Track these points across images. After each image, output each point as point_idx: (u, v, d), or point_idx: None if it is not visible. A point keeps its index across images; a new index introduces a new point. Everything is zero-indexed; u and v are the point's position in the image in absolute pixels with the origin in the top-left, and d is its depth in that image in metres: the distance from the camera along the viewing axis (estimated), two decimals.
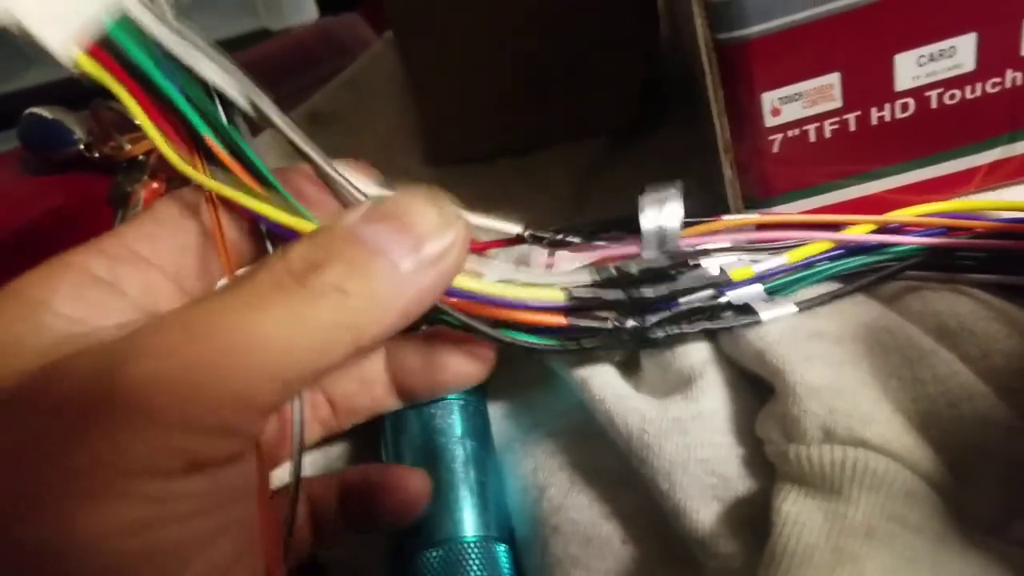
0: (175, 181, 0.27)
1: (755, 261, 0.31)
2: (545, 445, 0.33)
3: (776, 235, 0.32)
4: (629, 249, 0.30)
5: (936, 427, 0.27)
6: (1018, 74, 0.30)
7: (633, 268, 0.29)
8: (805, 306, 0.31)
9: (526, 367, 0.36)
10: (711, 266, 0.31)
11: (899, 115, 0.31)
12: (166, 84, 0.23)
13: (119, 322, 0.22)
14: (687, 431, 0.29)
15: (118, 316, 0.22)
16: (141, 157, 0.46)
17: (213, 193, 0.24)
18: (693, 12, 0.28)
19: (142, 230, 0.24)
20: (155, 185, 0.45)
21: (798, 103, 0.30)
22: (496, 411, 0.35)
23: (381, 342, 0.20)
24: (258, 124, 0.25)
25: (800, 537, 0.25)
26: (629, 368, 0.33)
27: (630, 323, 0.30)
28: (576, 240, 0.31)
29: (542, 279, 0.29)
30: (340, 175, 0.26)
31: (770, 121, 0.30)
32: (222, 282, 0.26)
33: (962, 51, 0.30)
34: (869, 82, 0.30)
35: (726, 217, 0.31)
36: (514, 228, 0.31)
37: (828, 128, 0.31)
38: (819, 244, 0.31)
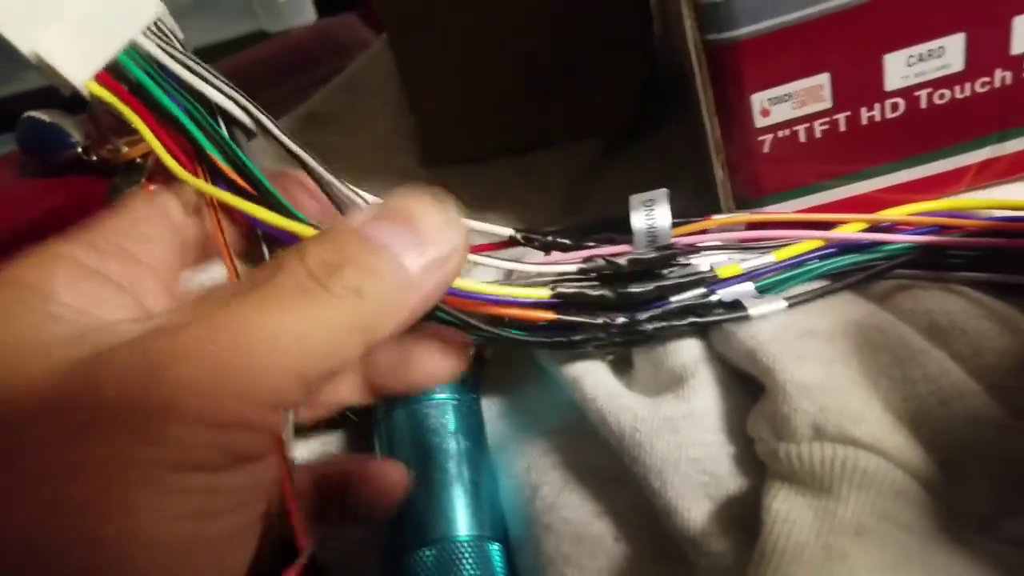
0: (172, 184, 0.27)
1: (745, 260, 0.31)
2: (538, 444, 0.33)
3: (766, 234, 0.32)
4: (621, 249, 0.30)
5: (927, 426, 0.27)
6: (1007, 74, 0.30)
7: (622, 260, 0.29)
8: (794, 302, 0.31)
9: (520, 366, 0.36)
10: (701, 265, 0.31)
11: (889, 115, 0.31)
12: (172, 106, 0.24)
13: (120, 316, 0.22)
14: (678, 430, 0.29)
15: (115, 309, 0.22)
16: (138, 160, 0.46)
17: (215, 200, 0.25)
18: (683, 13, 0.29)
19: (125, 225, 0.25)
20: (152, 188, 0.45)
21: (788, 104, 0.30)
22: (490, 410, 0.35)
23: (390, 339, 0.21)
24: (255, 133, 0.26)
25: (790, 535, 0.25)
26: (621, 367, 0.33)
27: (619, 319, 0.30)
28: (568, 242, 0.31)
29: (529, 272, 0.29)
30: (336, 180, 0.27)
31: (760, 122, 0.31)
32: (203, 272, 0.27)
33: (951, 51, 0.30)
34: (859, 82, 0.30)
35: (716, 216, 0.31)
36: (506, 230, 0.31)
37: (818, 128, 0.31)
38: (809, 243, 0.31)
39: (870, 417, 0.27)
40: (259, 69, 0.74)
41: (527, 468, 0.32)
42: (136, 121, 0.24)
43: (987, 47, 0.30)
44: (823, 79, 0.30)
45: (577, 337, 0.30)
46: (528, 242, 0.31)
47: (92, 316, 0.22)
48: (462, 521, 0.30)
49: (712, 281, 0.30)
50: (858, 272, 0.31)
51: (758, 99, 0.30)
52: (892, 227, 0.32)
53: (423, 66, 0.47)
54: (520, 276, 0.31)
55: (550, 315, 0.29)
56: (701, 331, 0.31)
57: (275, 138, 0.26)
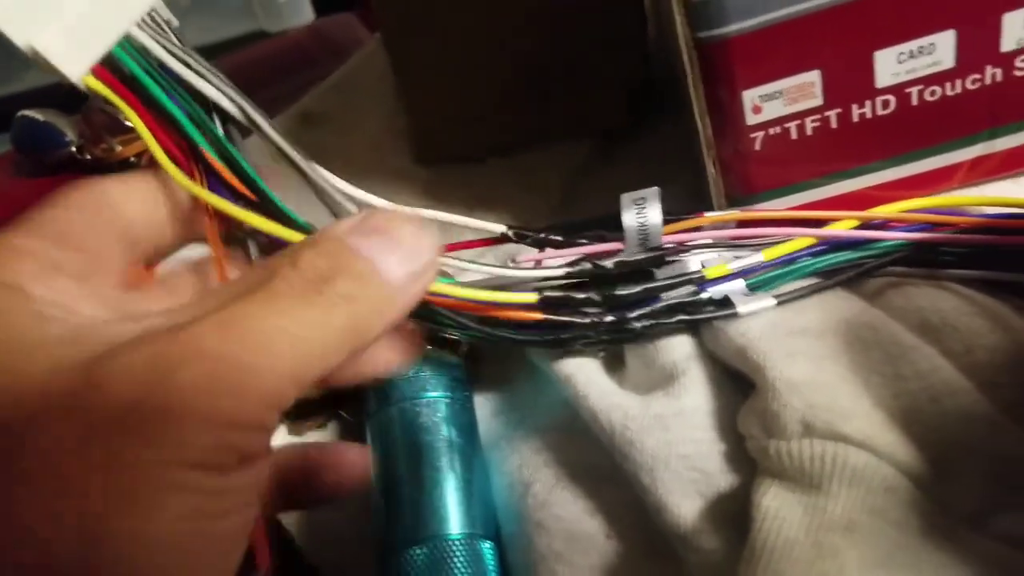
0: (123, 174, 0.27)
1: (738, 257, 0.31)
2: (530, 441, 0.33)
3: (758, 231, 0.32)
4: (612, 247, 0.30)
5: (918, 423, 0.27)
6: (997, 70, 0.31)
7: (609, 263, 0.29)
8: (784, 299, 0.31)
9: (512, 364, 0.36)
10: (691, 263, 0.31)
11: (880, 112, 0.31)
12: (167, 100, 0.25)
13: (89, 311, 0.22)
14: (669, 427, 0.29)
15: (83, 304, 0.22)
16: (132, 159, 0.46)
17: (210, 206, 0.26)
18: (673, 11, 0.29)
19: (70, 216, 0.24)
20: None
21: (779, 101, 0.30)
22: (482, 408, 0.35)
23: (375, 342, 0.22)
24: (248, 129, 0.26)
25: (780, 531, 0.25)
26: (614, 365, 0.33)
27: (608, 317, 0.30)
28: (559, 239, 0.31)
29: (516, 276, 0.29)
30: (326, 177, 0.27)
31: (751, 119, 0.31)
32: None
33: (941, 48, 0.30)
34: (849, 79, 0.30)
35: (708, 214, 0.31)
36: (499, 227, 0.31)
37: (809, 125, 0.31)
38: (799, 240, 0.31)
39: (859, 414, 0.27)
40: (256, 68, 0.74)
41: (519, 466, 0.32)
42: (132, 116, 0.24)
43: (978, 44, 0.30)
44: (814, 76, 0.30)
45: (566, 335, 0.30)
46: (520, 239, 0.31)
47: (78, 314, 0.22)
48: (454, 519, 0.30)
49: (700, 281, 0.30)
50: (849, 269, 0.31)
51: (749, 96, 0.30)
52: (884, 224, 0.32)
53: (418, 65, 0.47)
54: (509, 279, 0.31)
55: (539, 315, 0.29)
56: (692, 329, 0.31)
57: (267, 136, 0.26)
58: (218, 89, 0.25)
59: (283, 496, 0.29)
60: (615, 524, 0.30)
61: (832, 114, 0.31)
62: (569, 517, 0.30)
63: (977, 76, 0.31)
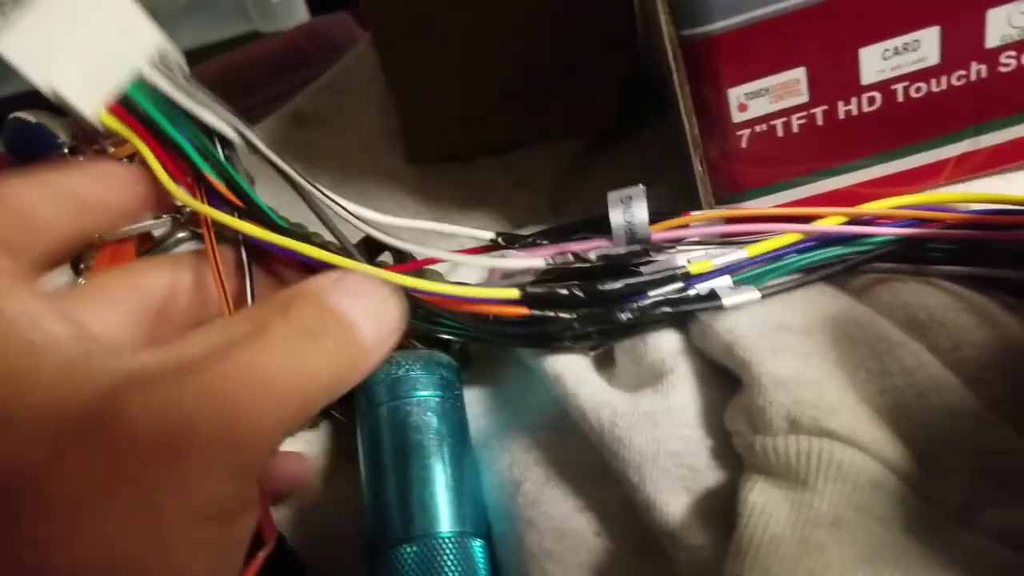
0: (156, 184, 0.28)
1: (720, 255, 0.31)
2: (521, 440, 0.33)
3: (746, 228, 0.32)
4: (598, 243, 0.30)
5: (905, 419, 0.27)
6: (982, 67, 0.31)
7: (592, 256, 0.29)
8: (768, 292, 0.31)
9: (503, 363, 0.36)
10: (677, 260, 0.31)
11: (866, 109, 0.31)
12: (174, 132, 0.27)
13: (58, 329, 0.21)
14: (657, 424, 0.29)
15: (46, 319, 0.21)
16: (124, 160, 0.46)
17: (211, 229, 0.28)
18: (658, 9, 0.29)
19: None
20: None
21: (765, 98, 0.30)
22: (473, 407, 0.35)
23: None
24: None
25: (766, 527, 0.25)
26: (603, 363, 0.33)
27: (594, 310, 0.30)
28: (547, 243, 0.31)
29: (505, 269, 0.30)
30: (323, 194, 0.29)
31: (737, 117, 0.31)
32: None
33: (926, 44, 0.30)
34: (835, 76, 0.30)
35: (695, 213, 0.31)
36: (488, 234, 0.32)
37: (795, 123, 0.31)
38: (784, 237, 0.31)
39: (844, 409, 0.27)
40: (251, 68, 0.74)
41: (509, 464, 0.32)
42: (142, 148, 0.27)
43: (962, 40, 0.30)
44: (799, 73, 0.30)
45: (551, 328, 0.30)
46: (509, 244, 0.31)
47: (47, 331, 0.21)
48: (444, 517, 0.30)
49: (685, 277, 0.30)
50: (835, 264, 0.32)
51: (735, 94, 0.30)
52: (871, 221, 0.32)
53: (408, 65, 0.48)
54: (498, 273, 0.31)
55: (523, 310, 0.29)
56: (678, 323, 0.31)
57: (267, 159, 0.28)
58: (220, 118, 0.28)
59: None
60: (605, 522, 0.30)
61: (818, 111, 0.31)
62: (559, 515, 0.30)
63: (962, 72, 0.31)
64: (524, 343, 0.32)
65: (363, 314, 0.23)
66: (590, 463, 0.31)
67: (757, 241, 0.32)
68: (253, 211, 0.28)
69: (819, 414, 0.26)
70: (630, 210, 0.30)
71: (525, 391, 0.34)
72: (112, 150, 0.46)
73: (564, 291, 0.30)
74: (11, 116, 0.50)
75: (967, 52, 0.30)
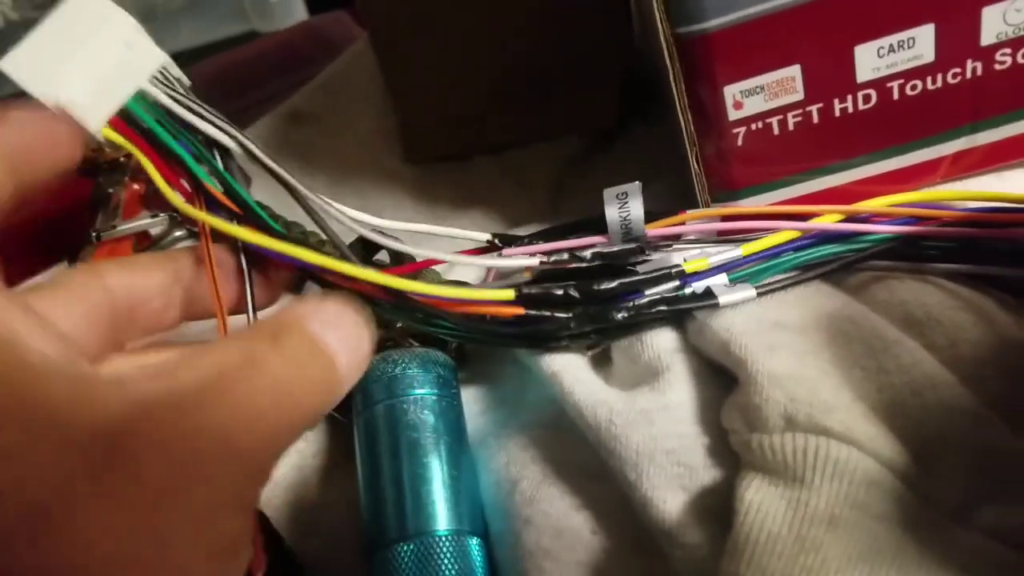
0: (153, 184, 0.28)
1: (716, 253, 0.31)
2: (518, 439, 0.33)
3: (743, 225, 0.32)
4: (594, 240, 0.30)
5: (901, 416, 0.27)
6: (978, 64, 0.31)
7: (587, 254, 0.29)
8: (764, 290, 0.31)
9: (500, 362, 0.36)
10: (673, 259, 0.31)
11: (861, 106, 0.31)
12: (174, 144, 0.28)
13: (43, 347, 0.21)
14: (654, 422, 0.29)
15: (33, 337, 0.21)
16: (122, 159, 0.46)
17: (209, 234, 0.28)
18: (653, 7, 0.29)
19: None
20: (136, 187, 0.45)
21: (760, 96, 0.30)
22: (470, 406, 0.35)
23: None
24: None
25: (763, 525, 0.25)
26: (600, 362, 0.33)
27: (590, 309, 0.30)
28: (543, 243, 0.31)
29: (496, 264, 0.30)
30: (322, 201, 0.29)
31: (733, 115, 0.31)
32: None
33: (921, 42, 0.30)
34: (830, 74, 0.30)
35: (691, 211, 0.31)
36: (484, 235, 0.32)
37: (791, 121, 0.31)
38: (780, 235, 0.31)
39: (841, 407, 0.27)
40: (249, 67, 0.74)
41: (506, 463, 0.32)
42: (144, 160, 0.27)
43: (957, 38, 0.30)
44: (794, 71, 0.30)
45: (547, 327, 0.30)
46: (506, 245, 0.31)
47: (61, 359, 0.20)
48: (441, 516, 0.31)
49: (681, 275, 0.30)
50: (832, 262, 0.31)
51: (730, 92, 0.30)
52: (867, 219, 0.32)
53: (406, 65, 0.48)
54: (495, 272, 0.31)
55: (518, 309, 0.29)
56: (675, 322, 0.31)
57: (266, 167, 0.29)
58: (219, 129, 0.28)
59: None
60: (601, 520, 0.30)
61: (813, 109, 0.31)
62: (556, 513, 0.30)
63: (957, 70, 0.31)
64: (520, 343, 0.32)
65: (341, 344, 0.24)
66: (587, 461, 0.31)
67: (753, 239, 0.32)
68: (250, 217, 0.29)
69: (815, 412, 0.26)
70: (626, 207, 0.30)
71: (522, 390, 0.35)
72: (109, 149, 0.47)
73: (559, 291, 0.30)
74: None
75: (962, 49, 0.30)
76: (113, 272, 0.27)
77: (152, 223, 0.43)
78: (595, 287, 0.30)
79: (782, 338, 0.29)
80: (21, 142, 0.25)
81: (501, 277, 0.32)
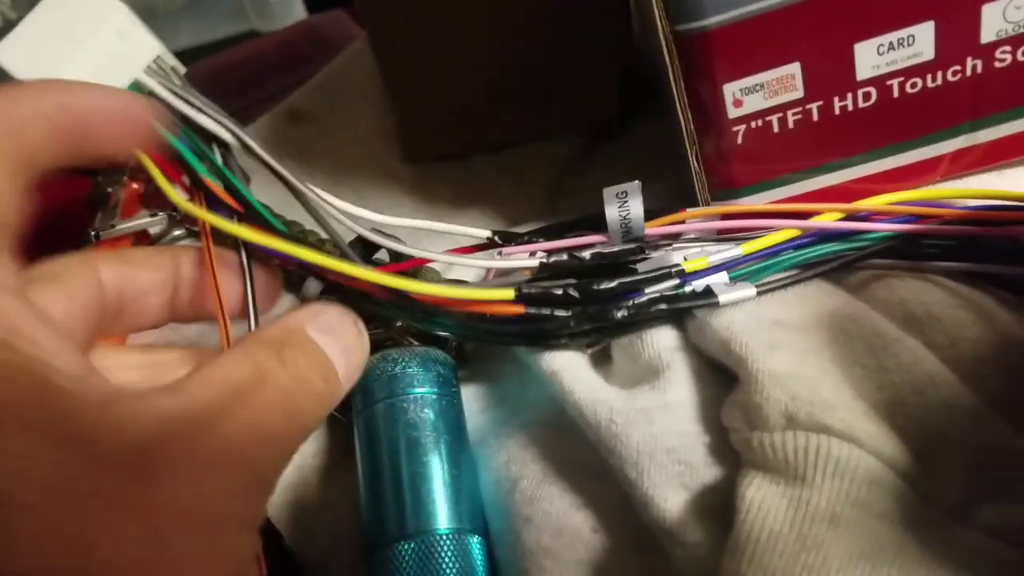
0: (152, 183, 0.28)
1: (716, 252, 0.31)
2: (518, 438, 0.33)
3: (744, 223, 0.32)
4: (589, 240, 0.30)
5: (901, 415, 0.27)
6: (978, 62, 0.31)
7: (586, 254, 0.29)
8: (764, 289, 0.31)
9: (500, 361, 0.36)
10: (673, 258, 0.31)
11: (861, 104, 0.31)
12: (172, 138, 0.27)
13: (83, 365, 0.21)
14: (654, 421, 0.29)
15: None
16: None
17: (210, 233, 0.28)
18: (652, 4, 0.29)
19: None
20: (135, 186, 0.45)
21: (760, 94, 0.30)
22: (470, 405, 0.35)
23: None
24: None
25: (764, 524, 0.25)
26: (600, 361, 0.33)
27: (590, 308, 0.30)
28: (544, 240, 0.31)
29: (496, 265, 0.30)
30: (316, 194, 0.29)
31: (732, 113, 0.31)
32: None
33: (921, 39, 0.30)
34: (830, 72, 0.30)
35: (690, 209, 0.31)
36: (484, 232, 0.32)
37: (791, 118, 0.31)
38: (780, 234, 0.31)
39: (842, 405, 0.27)
40: (248, 66, 0.74)
41: (507, 461, 0.32)
42: (141, 155, 0.27)
43: (957, 35, 0.30)
44: (794, 68, 0.30)
45: (548, 326, 0.30)
46: (506, 243, 0.31)
47: (80, 372, 0.20)
48: (442, 514, 0.31)
49: (681, 274, 0.30)
50: (832, 260, 0.31)
51: (730, 89, 0.30)
52: (867, 217, 0.32)
53: (404, 64, 0.47)
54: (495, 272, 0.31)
55: (519, 308, 0.29)
56: (675, 320, 0.31)
57: (263, 162, 0.29)
58: (217, 122, 0.28)
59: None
60: (602, 518, 0.30)
61: (813, 107, 0.31)
62: (556, 512, 0.30)
63: (957, 68, 0.31)
64: (520, 342, 0.32)
65: (340, 351, 0.25)
66: (587, 460, 0.31)
67: (753, 238, 0.32)
68: (251, 215, 0.29)
69: (816, 410, 0.26)
70: (626, 205, 0.30)
71: (522, 388, 0.35)
72: None
73: (559, 291, 0.30)
74: None
75: (962, 47, 0.30)
76: (109, 264, 0.27)
77: (151, 222, 0.43)
78: (595, 286, 0.30)
79: (782, 336, 0.29)
80: (85, 107, 0.24)
81: (501, 275, 0.32)
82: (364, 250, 0.33)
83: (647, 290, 0.30)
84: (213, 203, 0.29)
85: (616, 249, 0.30)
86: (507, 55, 0.46)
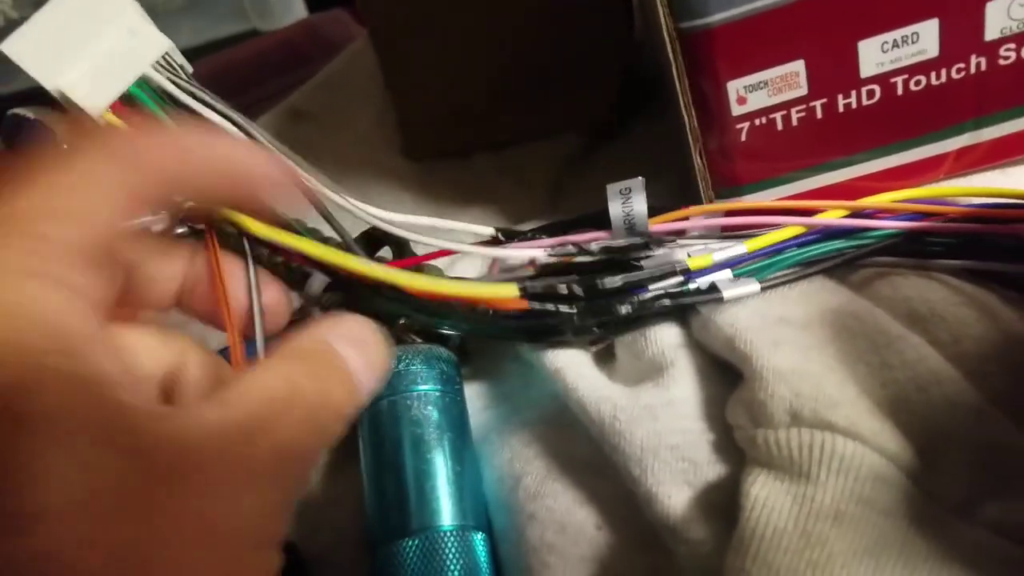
0: None
1: (720, 250, 0.31)
2: (521, 434, 0.33)
3: (748, 221, 0.32)
4: (598, 235, 0.30)
5: (905, 411, 0.27)
6: (982, 59, 0.31)
7: (594, 247, 0.29)
8: (768, 285, 0.31)
9: (503, 358, 0.36)
10: (677, 255, 0.31)
11: (865, 102, 0.31)
12: None
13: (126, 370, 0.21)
14: (658, 418, 0.29)
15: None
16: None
17: (213, 234, 0.28)
18: (656, 1, 0.29)
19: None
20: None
21: (764, 91, 0.30)
22: (473, 402, 0.35)
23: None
24: None
25: (769, 520, 0.25)
26: (604, 359, 0.33)
27: (593, 304, 0.30)
28: (547, 237, 0.31)
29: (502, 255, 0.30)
30: (319, 185, 0.30)
31: (736, 110, 0.31)
32: None
33: (925, 37, 0.30)
34: (834, 69, 0.30)
35: (694, 207, 0.31)
36: (488, 229, 0.32)
37: (795, 116, 0.31)
38: (784, 231, 0.31)
39: (845, 402, 0.27)
40: (248, 66, 0.74)
41: (510, 458, 0.32)
42: None
43: (961, 33, 0.30)
44: (798, 66, 0.30)
45: (551, 322, 0.30)
46: (509, 240, 0.31)
47: (125, 379, 0.21)
48: (445, 511, 0.31)
49: (685, 272, 0.30)
50: (836, 258, 0.31)
51: (734, 87, 0.30)
52: (871, 215, 0.32)
53: (406, 65, 0.48)
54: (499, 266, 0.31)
55: (523, 303, 0.29)
56: (678, 315, 0.31)
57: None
58: (222, 115, 0.28)
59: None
60: (606, 515, 0.30)
61: (817, 104, 0.31)
62: (560, 508, 0.30)
63: (962, 65, 0.31)
64: (524, 338, 0.32)
65: (362, 364, 0.25)
66: (591, 457, 0.31)
67: (757, 235, 0.32)
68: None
69: (820, 407, 0.26)
70: (629, 202, 0.30)
71: (525, 386, 0.35)
72: None
73: (563, 288, 0.30)
74: (9, 112, 0.50)
75: (966, 44, 0.30)
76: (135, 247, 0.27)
77: (153, 220, 0.43)
78: (599, 284, 0.30)
79: (786, 334, 0.29)
80: (236, 171, 0.25)
81: (505, 271, 0.32)
82: (367, 247, 0.33)
83: (651, 287, 0.30)
84: None
85: (622, 243, 0.30)
86: (507, 55, 0.46)
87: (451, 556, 0.30)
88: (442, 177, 0.49)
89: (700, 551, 0.27)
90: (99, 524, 0.18)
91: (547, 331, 0.31)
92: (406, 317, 0.34)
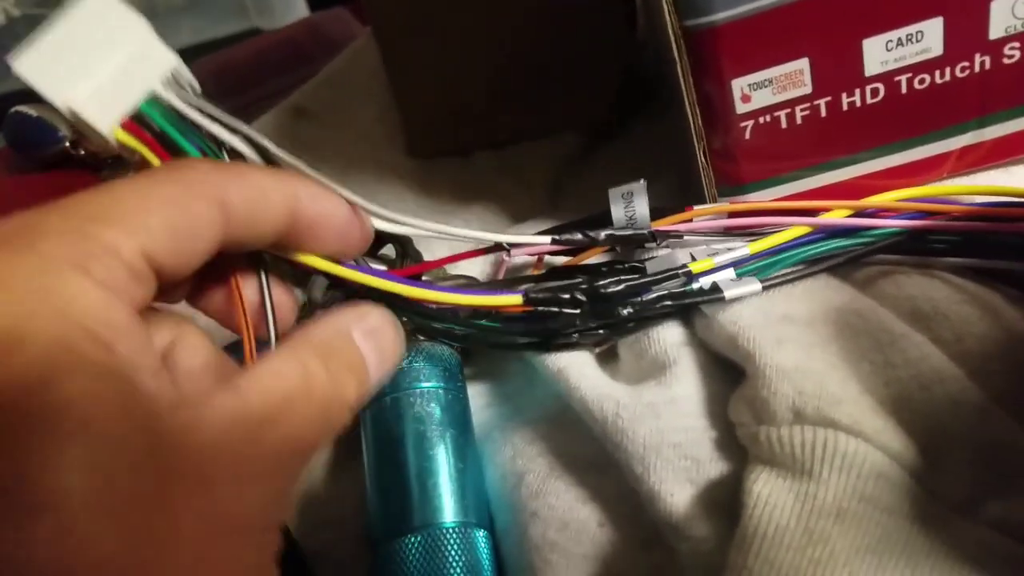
0: None
1: (730, 248, 0.31)
2: (524, 432, 0.33)
3: (753, 221, 0.32)
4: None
5: (908, 410, 0.27)
6: (986, 58, 0.31)
7: (601, 235, 0.29)
8: (769, 284, 0.31)
9: (505, 358, 0.36)
10: (680, 257, 0.31)
11: (869, 100, 0.31)
12: (188, 146, 0.28)
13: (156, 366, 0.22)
14: (660, 415, 0.29)
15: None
16: (125, 154, 0.46)
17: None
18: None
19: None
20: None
21: (768, 89, 0.30)
22: (476, 400, 0.35)
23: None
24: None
25: (771, 518, 0.25)
26: (606, 359, 0.33)
27: (596, 306, 0.30)
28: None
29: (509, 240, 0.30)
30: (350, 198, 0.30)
31: (740, 108, 0.31)
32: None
33: (930, 35, 0.30)
34: (838, 67, 0.30)
35: (697, 207, 0.31)
36: (491, 236, 0.32)
37: (799, 114, 0.31)
38: (787, 232, 0.31)
39: (849, 400, 0.27)
40: (250, 64, 0.74)
41: (512, 456, 0.32)
42: (156, 163, 0.27)
43: (966, 31, 0.30)
44: (802, 64, 0.30)
45: (554, 325, 0.30)
46: (514, 247, 0.31)
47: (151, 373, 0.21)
48: (448, 508, 0.31)
49: (688, 275, 0.30)
50: (839, 256, 0.31)
51: (738, 85, 0.30)
52: (875, 213, 0.32)
53: (409, 64, 0.48)
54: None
55: (528, 307, 0.29)
56: (681, 315, 0.31)
57: (280, 161, 0.29)
58: (231, 131, 0.28)
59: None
60: (608, 513, 0.30)
61: (821, 103, 0.31)
62: (562, 506, 0.30)
63: (966, 64, 0.31)
64: (529, 347, 0.32)
65: (377, 361, 0.25)
66: (593, 455, 0.31)
67: (760, 235, 0.32)
68: None
69: (823, 405, 0.26)
70: (631, 205, 0.30)
71: (527, 384, 0.35)
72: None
73: (566, 294, 0.30)
74: (12, 110, 0.50)
75: (971, 43, 0.30)
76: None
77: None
78: (602, 289, 0.30)
79: (790, 331, 0.29)
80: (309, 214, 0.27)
81: (511, 271, 0.32)
82: (371, 245, 0.33)
83: (657, 289, 0.30)
84: None
85: (629, 233, 0.30)
86: (507, 55, 0.46)
87: (453, 553, 0.30)
88: (443, 175, 0.49)
89: (702, 549, 0.27)
90: (112, 513, 0.18)
91: (551, 334, 0.31)
92: (411, 323, 0.34)
